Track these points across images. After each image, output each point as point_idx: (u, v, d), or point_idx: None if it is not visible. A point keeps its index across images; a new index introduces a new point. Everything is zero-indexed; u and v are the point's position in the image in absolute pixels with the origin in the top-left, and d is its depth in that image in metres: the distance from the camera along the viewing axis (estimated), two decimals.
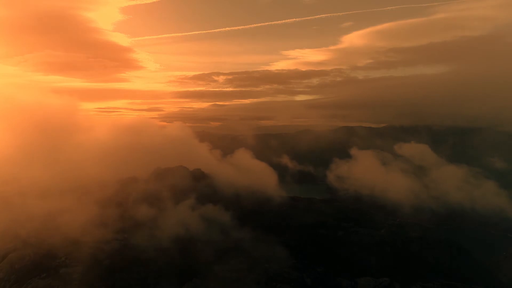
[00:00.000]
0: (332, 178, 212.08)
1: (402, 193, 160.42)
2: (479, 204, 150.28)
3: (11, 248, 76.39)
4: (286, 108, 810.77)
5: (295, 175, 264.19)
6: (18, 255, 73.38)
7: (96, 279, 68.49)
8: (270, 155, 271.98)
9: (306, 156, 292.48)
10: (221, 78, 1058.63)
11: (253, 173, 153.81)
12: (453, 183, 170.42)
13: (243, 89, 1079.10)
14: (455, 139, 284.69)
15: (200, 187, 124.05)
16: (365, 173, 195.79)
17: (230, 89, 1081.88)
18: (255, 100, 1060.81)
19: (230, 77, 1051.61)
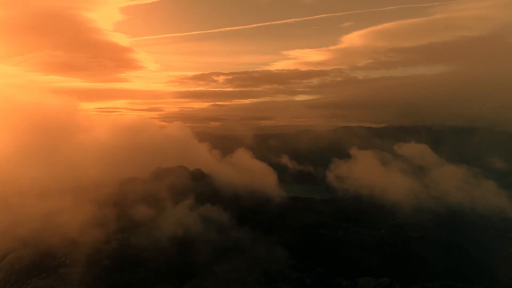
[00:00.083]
0: (332, 178, 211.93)
1: (402, 193, 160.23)
2: (479, 204, 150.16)
3: (11, 248, 76.28)
4: (286, 108, 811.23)
5: (295, 175, 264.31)
6: (18, 255, 73.28)
7: (96, 279, 68.40)
8: (270, 155, 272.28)
9: (306, 156, 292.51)
10: (221, 78, 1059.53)
11: (253, 173, 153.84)
12: (453, 183, 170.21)
13: (243, 89, 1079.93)
14: (455, 139, 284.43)
15: (200, 187, 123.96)
16: (365, 173, 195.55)
17: (230, 89, 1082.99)
18: (255, 100, 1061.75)
19: (230, 77, 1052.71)
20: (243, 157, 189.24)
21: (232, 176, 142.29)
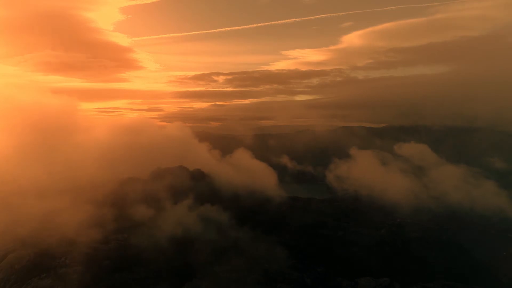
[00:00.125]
0: (332, 178, 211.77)
1: (402, 193, 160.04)
2: (479, 204, 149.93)
3: (11, 249, 76.20)
4: (286, 108, 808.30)
5: (295, 175, 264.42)
6: (18, 256, 73.20)
7: (96, 279, 68.39)
8: (269, 155, 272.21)
9: (305, 156, 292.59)
10: (221, 78, 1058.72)
11: (252, 173, 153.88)
12: (453, 183, 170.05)
13: (243, 89, 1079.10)
14: (455, 139, 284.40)
15: (200, 187, 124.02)
16: (365, 173, 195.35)
17: (230, 89, 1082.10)
18: (255, 100, 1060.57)
19: (230, 77, 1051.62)
20: (243, 157, 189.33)
21: (232, 176, 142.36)
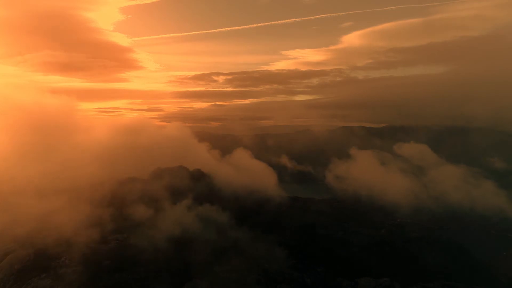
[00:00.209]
0: (332, 178, 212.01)
1: (401, 193, 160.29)
2: (479, 204, 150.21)
3: (11, 249, 76.02)
4: (286, 108, 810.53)
5: (295, 175, 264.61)
6: (18, 256, 73.02)
7: (96, 279, 68.19)
8: (269, 155, 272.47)
9: (305, 156, 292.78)
10: (221, 78, 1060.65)
11: (252, 173, 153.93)
12: (452, 183, 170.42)
13: (243, 89, 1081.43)
14: (455, 139, 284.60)
15: (200, 187, 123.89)
16: (365, 173, 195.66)
17: (230, 89, 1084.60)
18: (255, 100, 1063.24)
19: (230, 77, 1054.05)
20: (243, 157, 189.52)
21: (232, 176, 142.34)
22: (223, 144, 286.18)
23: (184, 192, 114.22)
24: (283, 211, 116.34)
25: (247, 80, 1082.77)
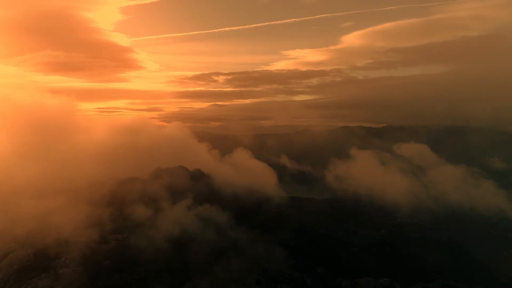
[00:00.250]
0: (331, 178, 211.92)
1: (401, 193, 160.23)
2: (478, 204, 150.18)
3: (11, 249, 76.00)
4: (286, 108, 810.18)
5: (294, 175, 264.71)
6: (18, 256, 73.00)
7: (95, 279, 68.15)
8: (269, 155, 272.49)
9: (305, 156, 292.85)
10: (221, 78, 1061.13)
11: (252, 173, 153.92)
12: (452, 183, 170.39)
13: (243, 89, 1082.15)
14: (454, 139, 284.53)
15: (200, 188, 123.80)
16: (365, 173, 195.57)
17: (230, 89, 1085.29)
18: (254, 100, 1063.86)
19: (230, 77, 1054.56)
20: (243, 157, 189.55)
21: (232, 176, 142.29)
22: (223, 144, 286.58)
23: (184, 192, 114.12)
24: (283, 211, 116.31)
25: (247, 80, 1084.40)
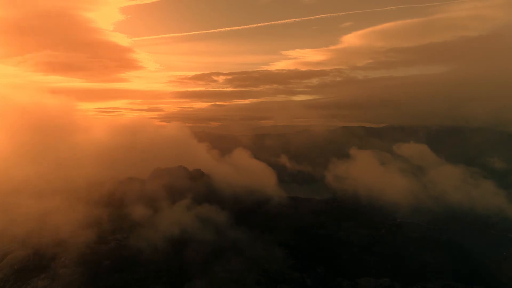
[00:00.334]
0: (331, 178, 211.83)
1: (401, 193, 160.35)
2: (478, 204, 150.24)
3: (10, 249, 75.91)
4: (286, 108, 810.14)
5: (294, 175, 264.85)
6: (17, 256, 72.93)
7: (95, 280, 68.10)
8: (269, 155, 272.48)
9: (305, 156, 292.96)
10: (221, 78, 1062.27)
11: (252, 173, 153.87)
12: (452, 183, 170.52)
13: (243, 89, 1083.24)
14: (454, 139, 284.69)
15: (200, 188, 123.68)
16: (364, 173, 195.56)
17: (230, 89, 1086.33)
18: (254, 100, 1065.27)
19: (230, 77, 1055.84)
20: (242, 157, 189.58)
21: (231, 176, 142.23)
22: (222, 144, 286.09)
23: (183, 192, 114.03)
24: (283, 211, 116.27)
25: (247, 80, 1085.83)
